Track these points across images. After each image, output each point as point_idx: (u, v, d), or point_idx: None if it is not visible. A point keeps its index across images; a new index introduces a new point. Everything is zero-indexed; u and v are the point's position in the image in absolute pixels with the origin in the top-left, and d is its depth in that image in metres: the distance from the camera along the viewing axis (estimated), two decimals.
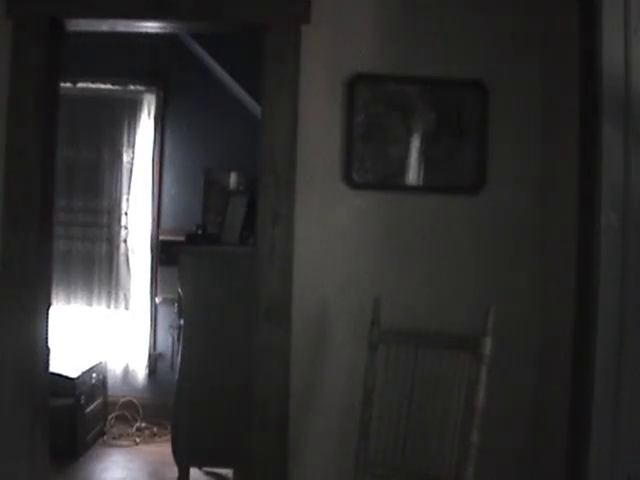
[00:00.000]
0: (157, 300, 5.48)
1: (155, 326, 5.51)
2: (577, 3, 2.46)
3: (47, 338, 3.05)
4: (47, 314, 3.05)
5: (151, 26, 3.15)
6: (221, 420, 3.73)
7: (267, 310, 2.88)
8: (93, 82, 5.40)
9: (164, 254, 5.43)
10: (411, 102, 2.94)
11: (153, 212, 5.51)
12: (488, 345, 2.19)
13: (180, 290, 3.98)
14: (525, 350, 2.91)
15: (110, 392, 5.19)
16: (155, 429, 5.03)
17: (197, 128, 5.46)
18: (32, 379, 2.92)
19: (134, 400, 5.22)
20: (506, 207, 2.96)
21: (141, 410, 5.17)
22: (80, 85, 5.34)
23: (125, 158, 5.51)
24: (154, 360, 5.48)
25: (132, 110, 5.51)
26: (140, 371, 5.46)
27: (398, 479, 2.40)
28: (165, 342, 5.41)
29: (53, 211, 3.16)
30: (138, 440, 4.90)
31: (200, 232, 4.32)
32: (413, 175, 2.95)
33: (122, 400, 5.20)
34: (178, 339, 4.29)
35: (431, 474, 2.30)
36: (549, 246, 2.89)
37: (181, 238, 4.54)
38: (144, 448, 4.78)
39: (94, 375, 4.87)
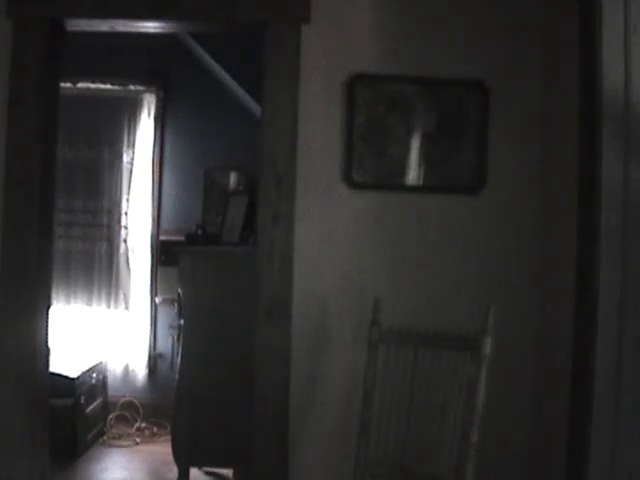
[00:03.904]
0: (157, 300, 5.48)
1: (155, 326, 5.51)
2: (577, 3, 2.46)
3: (47, 338, 3.05)
4: (47, 314, 3.05)
5: (151, 26, 3.16)
6: (221, 420, 3.73)
7: (267, 310, 2.88)
8: (93, 82, 5.40)
9: (164, 254, 5.43)
10: (411, 102, 2.94)
11: (153, 212, 5.50)
12: (488, 345, 2.19)
13: (180, 290, 3.98)
14: (525, 350, 2.92)
15: (110, 392, 5.19)
16: (155, 429, 5.03)
17: (197, 128, 5.46)
18: (32, 379, 2.92)
19: (134, 400, 5.22)
20: (506, 207, 2.97)
21: (141, 410, 5.17)
22: (80, 85, 5.34)
23: (125, 158, 5.50)
24: (154, 360, 5.47)
25: (132, 110, 5.50)
26: (140, 371, 5.46)
27: (398, 479, 2.41)
28: (165, 342, 5.40)
29: (53, 211, 3.16)
30: (138, 440, 4.89)
31: (200, 232, 4.32)
32: (413, 175, 2.95)
33: (122, 400, 5.19)
34: (178, 339, 4.28)
35: (431, 474, 2.30)
36: (549, 246, 2.89)
37: (181, 238, 4.53)
38: (144, 448, 4.78)
39: (94, 375, 4.87)
